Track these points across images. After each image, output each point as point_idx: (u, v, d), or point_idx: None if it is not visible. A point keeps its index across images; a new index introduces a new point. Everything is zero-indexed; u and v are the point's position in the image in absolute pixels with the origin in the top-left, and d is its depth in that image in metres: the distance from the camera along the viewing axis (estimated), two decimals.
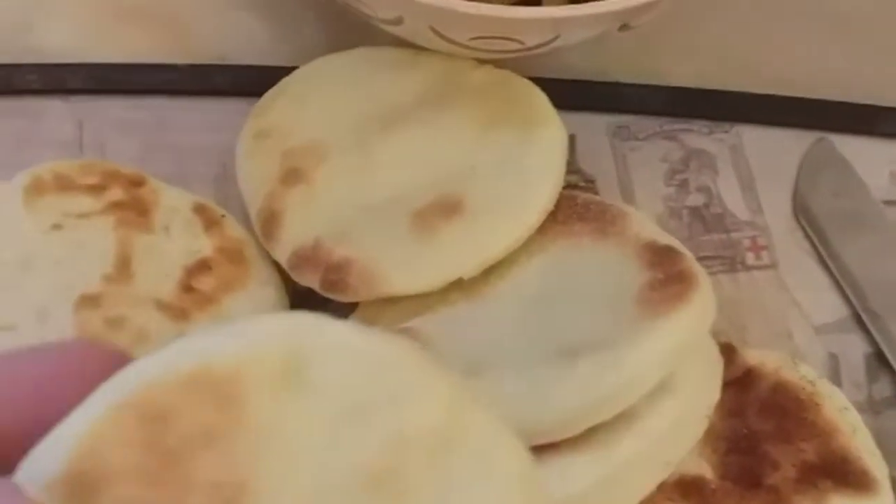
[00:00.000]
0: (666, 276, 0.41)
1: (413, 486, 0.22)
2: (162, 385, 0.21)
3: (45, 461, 0.21)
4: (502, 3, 0.45)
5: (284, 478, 0.22)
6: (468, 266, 0.43)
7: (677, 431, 0.40)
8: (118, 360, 0.22)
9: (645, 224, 0.44)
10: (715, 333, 0.44)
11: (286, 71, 0.49)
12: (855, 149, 0.53)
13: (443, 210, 0.43)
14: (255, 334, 0.23)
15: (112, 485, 0.21)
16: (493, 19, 0.42)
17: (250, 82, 0.50)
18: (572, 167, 0.51)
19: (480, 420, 0.24)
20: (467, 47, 0.46)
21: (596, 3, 0.42)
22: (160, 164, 0.48)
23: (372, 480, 0.22)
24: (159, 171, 0.47)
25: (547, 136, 0.45)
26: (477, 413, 0.24)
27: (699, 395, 0.42)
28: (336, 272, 0.43)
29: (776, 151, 0.53)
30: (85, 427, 0.21)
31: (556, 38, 0.44)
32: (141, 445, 0.21)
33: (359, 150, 0.46)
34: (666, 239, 0.43)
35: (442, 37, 0.45)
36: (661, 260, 0.41)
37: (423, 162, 0.45)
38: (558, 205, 0.44)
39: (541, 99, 0.46)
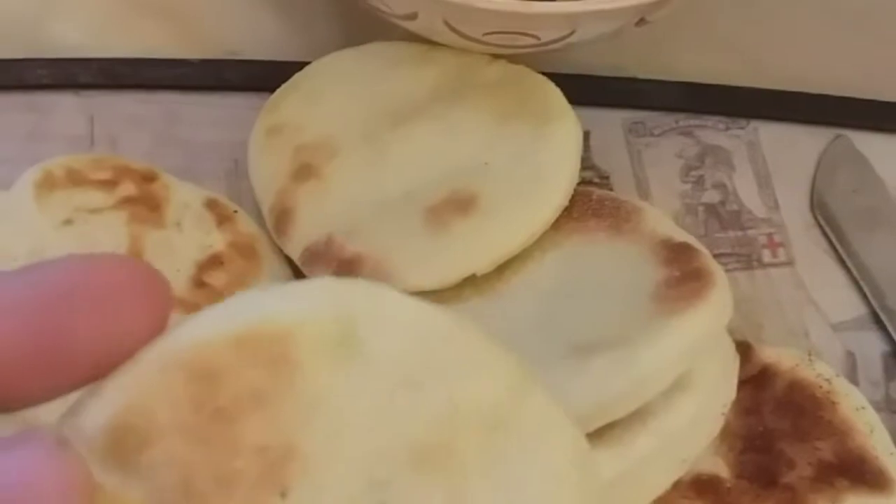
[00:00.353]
0: (682, 274, 0.40)
1: (463, 464, 0.22)
2: (213, 344, 0.21)
3: (89, 415, 0.20)
4: None
5: (333, 445, 0.21)
6: (482, 262, 0.42)
7: (693, 429, 0.40)
8: (146, 276, 0.21)
9: (661, 220, 0.44)
10: (731, 331, 0.44)
11: (298, 66, 0.49)
12: (873, 146, 0.52)
13: (456, 206, 0.43)
14: (310, 296, 0.22)
15: (157, 441, 0.20)
16: (508, 14, 0.42)
17: (262, 77, 0.50)
18: (587, 163, 0.51)
19: (539, 402, 0.23)
20: (482, 42, 0.45)
21: None
22: (171, 159, 0.48)
23: (422, 454, 0.22)
24: (170, 166, 0.47)
25: (561, 131, 0.45)
26: (536, 395, 0.23)
27: (715, 393, 0.41)
28: (348, 268, 0.42)
29: (793, 148, 0.52)
30: (132, 383, 0.20)
31: (572, 33, 0.44)
32: (189, 404, 0.20)
33: (371, 146, 0.46)
34: (682, 236, 0.43)
35: (456, 32, 0.45)
36: (678, 257, 0.41)
37: (437, 157, 0.45)
38: (573, 201, 0.44)
39: (555, 94, 0.46)
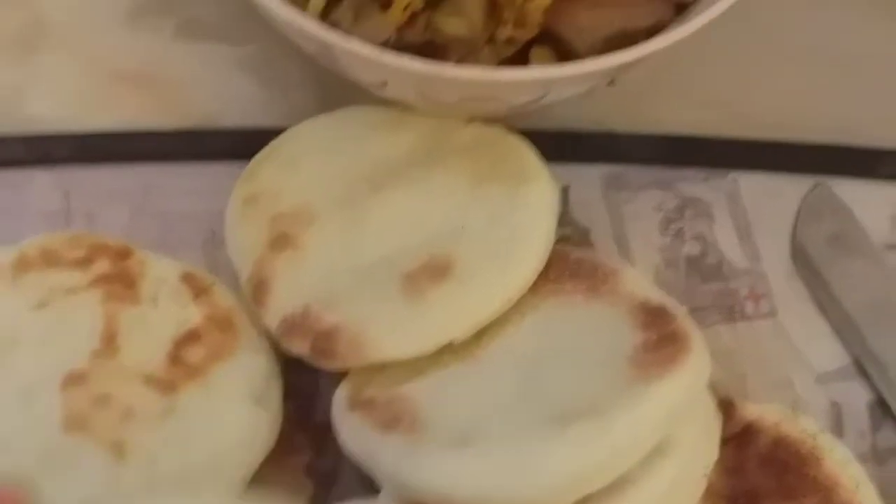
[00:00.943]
0: (659, 337, 0.40)
1: None
2: None
3: None
4: (489, 63, 0.45)
5: None
6: (459, 329, 0.42)
7: (674, 493, 0.40)
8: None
9: (638, 281, 0.44)
10: (714, 385, 0.44)
11: (276, 132, 0.49)
12: (854, 192, 0.52)
13: (433, 272, 0.43)
14: None
15: None
16: (478, 82, 0.42)
17: (239, 145, 0.50)
18: (566, 219, 0.51)
19: None
20: (455, 108, 0.45)
21: (582, 61, 0.42)
22: (149, 232, 0.48)
23: None
24: (148, 239, 0.47)
25: (536, 193, 0.45)
26: None
27: (696, 455, 0.41)
28: (325, 340, 0.42)
29: (773, 197, 0.52)
30: None
31: (544, 96, 0.44)
32: None
33: (348, 213, 0.46)
34: (659, 297, 0.43)
35: (427, 98, 0.45)
36: (654, 320, 0.41)
37: (413, 223, 0.45)
38: (550, 262, 0.44)
39: (530, 155, 0.46)
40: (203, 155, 0.50)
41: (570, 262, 0.44)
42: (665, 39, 0.43)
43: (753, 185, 0.52)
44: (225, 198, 0.47)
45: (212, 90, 0.52)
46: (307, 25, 0.42)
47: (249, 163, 0.48)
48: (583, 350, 0.41)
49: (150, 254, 0.45)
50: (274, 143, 0.48)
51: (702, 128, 0.53)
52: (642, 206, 0.52)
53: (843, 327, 0.49)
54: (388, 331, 0.42)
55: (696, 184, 0.52)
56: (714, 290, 0.50)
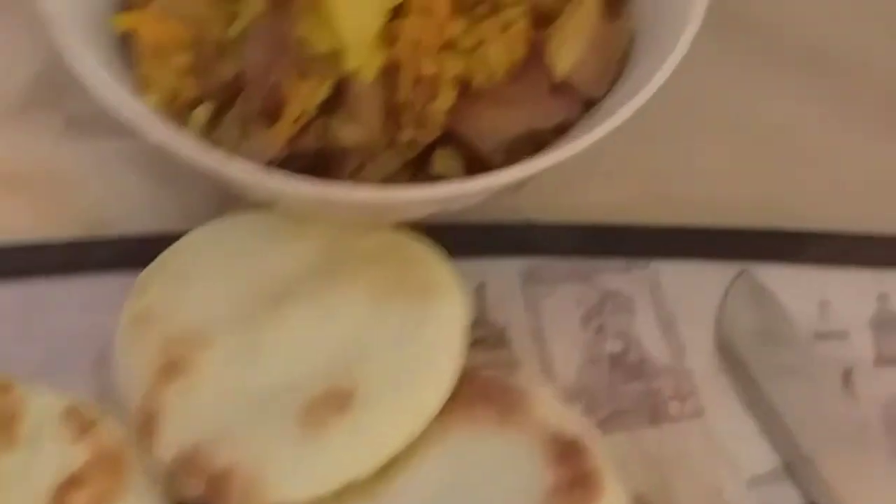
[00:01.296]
0: (572, 477, 0.38)
1: None
2: None
3: None
4: (390, 166, 0.43)
5: None
6: (361, 467, 0.40)
7: None
8: None
9: (551, 406, 0.41)
10: (638, 497, 0.41)
11: (172, 238, 0.46)
12: (781, 278, 0.50)
13: (333, 402, 0.40)
14: None
15: None
16: (371, 203, 0.39)
17: (131, 253, 0.47)
18: (481, 318, 0.48)
19: None
20: (353, 219, 0.43)
21: (481, 177, 0.39)
22: (31, 355, 0.45)
23: None
24: (31, 363, 0.44)
25: (444, 310, 0.43)
26: None
27: None
28: (218, 482, 0.39)
29: (697, 286, 0.50)
30: None
31: (446, 207, 0.42)
32: None
33: (244, 335, 0.43)
34: (573, 426, 0.41)
35: (324, 213, 0.42)
36: (567, 456, 0.39)
37: (314, 344, 0.42)
38: (459, 384, 0.42)
39: (438, 265, 0.44)
40: (91, 265, 0.47)
41: (479, 385, 0.42)
42: (573, 147, 0.41)
43: (676, 274, 0.50)
44: (117, 312, 0.44)
45: (99, 191, 0.49)
46: (183, 148, 0.39)
47: (140, 275, 0.45)
48: (492, 491, 0.39)
49: (31, 387, 0.42)
50: (167, 253, 0.46)
51: (622, 213, 0.51)
52: (561, 300, 0.49)
53: (772, 426, 0.47)
54: (285, 471, 0.39)
55: (616, 274, 0.50)
56: (638, 389, 0.48)
